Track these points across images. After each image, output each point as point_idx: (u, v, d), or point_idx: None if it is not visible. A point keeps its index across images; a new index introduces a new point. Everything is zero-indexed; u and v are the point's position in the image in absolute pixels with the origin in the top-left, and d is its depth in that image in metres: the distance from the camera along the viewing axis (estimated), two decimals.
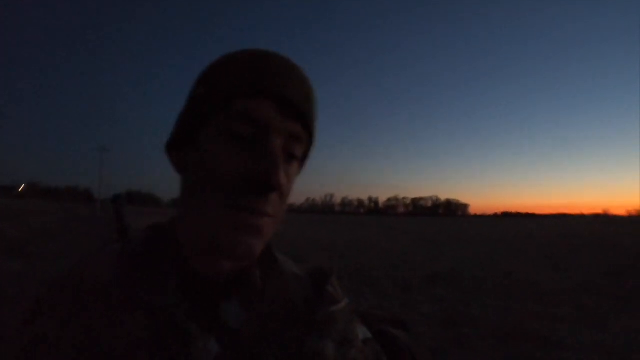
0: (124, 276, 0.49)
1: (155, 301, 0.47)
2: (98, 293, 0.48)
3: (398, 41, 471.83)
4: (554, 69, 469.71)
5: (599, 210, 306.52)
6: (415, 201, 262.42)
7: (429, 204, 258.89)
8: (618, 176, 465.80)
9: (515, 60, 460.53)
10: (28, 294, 5.17)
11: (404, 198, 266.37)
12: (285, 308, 0.54)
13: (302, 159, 0.56)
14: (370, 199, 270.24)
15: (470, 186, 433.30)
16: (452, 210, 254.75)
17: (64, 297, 0.48)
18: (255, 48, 0.53)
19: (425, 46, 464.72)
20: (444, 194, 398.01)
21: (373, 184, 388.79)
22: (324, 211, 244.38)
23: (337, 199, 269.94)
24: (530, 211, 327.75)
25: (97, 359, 0.44)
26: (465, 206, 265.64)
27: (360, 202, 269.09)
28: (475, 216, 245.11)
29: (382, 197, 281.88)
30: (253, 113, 0.47)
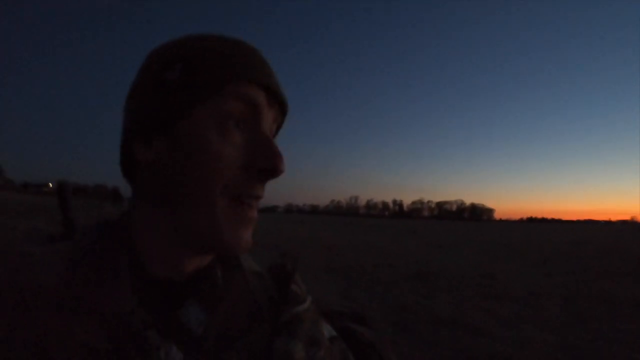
0: (73, 280, 0.44)
1: (110, 307, 0.43)
2: (45, 299, 0.42)
3: (422, 42, 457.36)
4: (586, 73, 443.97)
5: (627, 217, 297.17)
6: (440, 205, 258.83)
7: (454, 208, 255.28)
8: None
9: (545, 64, 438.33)
10: None
11: (428, 202, 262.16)
12: (249, 309, 0.52)
13: None
14: (394, 201, 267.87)
15: (497, 191, 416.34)
16: (477, 214, 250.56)
17: (7, 305, 0.41)
18: (229, 36, 0.52)
19: (448, 49, 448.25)
20: (469, 198, 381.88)
21: (398, 186, 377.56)
22: (348, 213, 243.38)
23: (362, 202, 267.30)
24: (557, 217, 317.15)
25: None
26: (490, 211, 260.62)
27: (385, 205, 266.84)
28: (500, 221, 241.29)
29: (407, 200, 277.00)
30: (250, 99, 0.47)
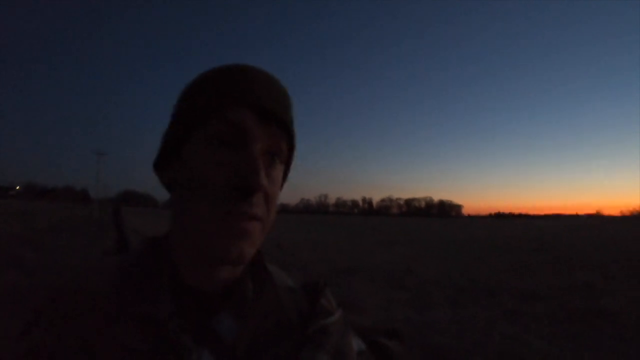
0: (119, 288, 0.50)
1: (150, 313, 0.48)
2: (94, 304, 0.48)
3: (393, 41, 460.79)
4: (548, 70, 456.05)
5: (593, 211, 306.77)
6: (409, 202, 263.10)
7: (423, 204, 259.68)
8: (613, 177, 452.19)
9: (509, 62, 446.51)
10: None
11: (397, 199, 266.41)
12: (278, 321, 0.55)
13: (287, 164, 0.59)
14: (364, 199, 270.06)
15: (465, 187, 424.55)
16: (446, 211, 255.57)
17: (60, 308, 0.48)
18: (233, 63, 0.55)
19: (419, 47, 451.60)
20: (438, 195, 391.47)
21: (367, 184, 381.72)
22: (318, 211, 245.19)
23: (332, 200, 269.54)
24: (525, 212, 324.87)
25: None
26: (458, 207, 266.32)
27: (355, 203, 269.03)
28: (469, 217, 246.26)
29: (376, 197, 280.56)
30: (234, 121, 0.49)
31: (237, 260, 0.48)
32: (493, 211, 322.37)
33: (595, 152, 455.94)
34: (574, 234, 30.55)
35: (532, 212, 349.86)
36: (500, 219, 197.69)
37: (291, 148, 0.58)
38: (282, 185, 0.59)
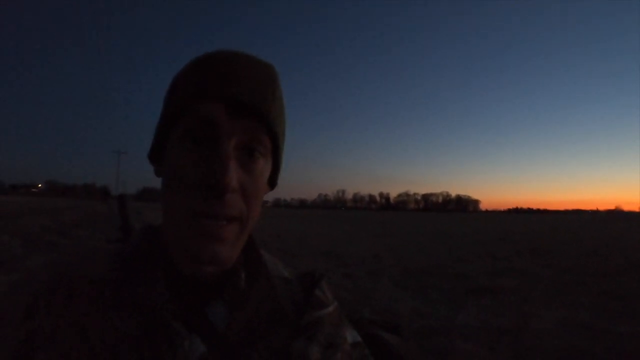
0: (116, 275, 0.51)
1: (144, 300, 0.48)
2: (91, 291, 0.49)
3: (409, 35, 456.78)
4: (567, 64, 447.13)
5: (612, 206, 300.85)
6: (426, 197, 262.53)
7: (440, 200, 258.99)
8: (636, 171, 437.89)
9: (528, 55, 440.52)
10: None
11: (414, 194, 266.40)
12: (271, 311, 0.55)
13: (275, 155, 0.55)
14: (381, 194, 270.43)
15: (484, 182, 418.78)
16: (463, 206, 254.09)
17: (59, 294, 0.49)
18: (214, 51, 0.52)
19: (436, 41, 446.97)
20: (456, 190, 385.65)
21: (385, 179, 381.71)
22: (335, 207, 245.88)
23: (349, 195, 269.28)
24: (544, 207, 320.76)
25: (88, 352, 0.45)
26: (476, 202, 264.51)
27: (372, 198, 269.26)
28: (487, 212, 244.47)
29: (394, 192, 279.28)
30: (204, 117, 0.47)
31: (210, 261, 0.47)
32: (512, 206, 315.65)
33: (620, 146, 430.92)
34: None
35: (552, 207, 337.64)
36: (517, 214, 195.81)
37: (275, 138, 0.52)
38: (275, 178, 0.58)
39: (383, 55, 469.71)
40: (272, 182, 0.59)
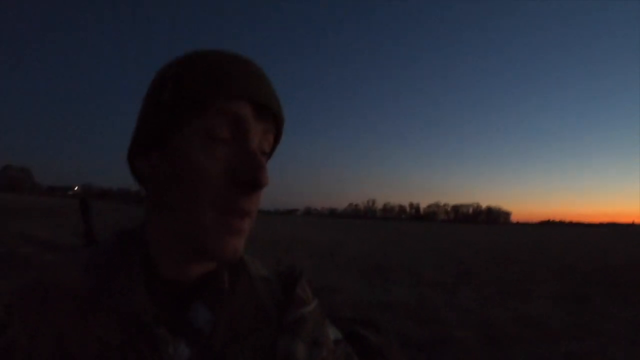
0: (93, 281, 0.49)
1: (125, 307, 0.47)
2: (67, 299, 0.47)
3: (440, 44, 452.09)
4: (607, 76, 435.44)
5: None
6: (456, 208, 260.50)
7: (470, 211, 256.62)
8: None
9: (564, 66, 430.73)
10: None
11: (444, 204, 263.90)
12: (254, 310, 0.54)
13: (269, 155, 0.56)
14: (411, 205, 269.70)
15: (515, 193, 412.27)
16: (494, 217, 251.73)
17: (33, 305, 0.47)
18: (218, 49, 0.52)
19: (466, 52, 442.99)
20: (487, 201, 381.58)
21: (416, 189, 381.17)
22: (364, 216, 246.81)
23: (379, 205, 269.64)
24: (577, 220, 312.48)
25: None
26: (507, 214, 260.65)
27: (402, 208, 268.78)
28: (517, 224, 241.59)
29: (424, 203, 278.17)
30: (233, 114, 0.47)
31: (232, 257, 0.48)
32: (544, 219, 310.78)
33: None
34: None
35: (585, 220, 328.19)
36: (548, 226, 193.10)
37: (277, 141, 0.55)
38: None
39: (417, 66, 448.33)
40: None
